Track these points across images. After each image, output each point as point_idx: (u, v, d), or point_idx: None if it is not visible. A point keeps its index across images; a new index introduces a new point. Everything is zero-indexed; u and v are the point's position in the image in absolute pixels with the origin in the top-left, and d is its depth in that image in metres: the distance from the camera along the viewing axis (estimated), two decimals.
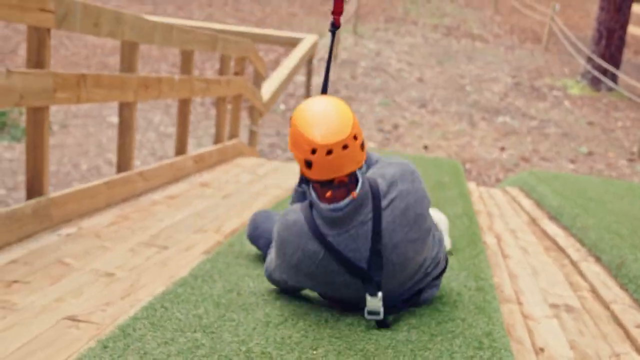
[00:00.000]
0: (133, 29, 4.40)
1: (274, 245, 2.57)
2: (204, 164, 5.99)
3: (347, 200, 2.36)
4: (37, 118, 3.55)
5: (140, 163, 8.58)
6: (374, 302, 2.39)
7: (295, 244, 2.43)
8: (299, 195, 2.77)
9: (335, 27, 2.77)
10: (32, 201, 3.52)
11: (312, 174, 2.31)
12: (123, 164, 4.70)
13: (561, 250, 4.51)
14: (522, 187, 6.69)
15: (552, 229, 5.02)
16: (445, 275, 3.10)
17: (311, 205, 2.46)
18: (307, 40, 11.51)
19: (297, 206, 2.53)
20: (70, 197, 3.86)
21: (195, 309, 2.42)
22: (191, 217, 4.24)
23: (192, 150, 7.39)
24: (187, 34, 5.35)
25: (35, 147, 3.58)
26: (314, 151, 2.25)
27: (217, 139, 6.68)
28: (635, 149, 10.92)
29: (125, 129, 4.65)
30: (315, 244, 2.39)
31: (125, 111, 4.61)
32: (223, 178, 5.70)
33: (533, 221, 5.36)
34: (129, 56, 4.51)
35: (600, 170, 9.99)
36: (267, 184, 5.59)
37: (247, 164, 6.57)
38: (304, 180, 2.53)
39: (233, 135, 7.25)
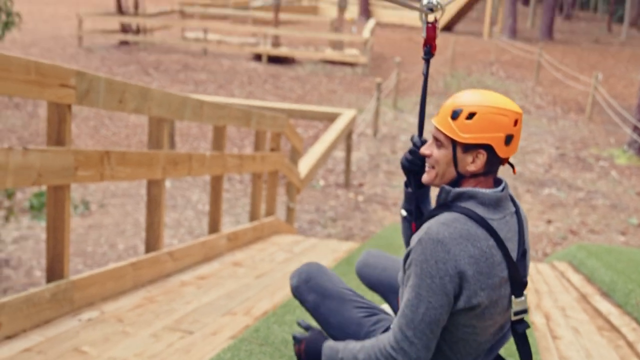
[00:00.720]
0: (161, 105, 4.29)
1: (416, 279, 2.30)
2: (238, 242, 5.82)
3: (502, 184, 2.43)
4: (58, 197, 3.41)
5: (177, 241, 8.45)
6: (521, 302, 2.38)
7: (463, 238, 2.28)
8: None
9: (430, 54, 2.62)
10: (51, 285, 3.35)
11: (509, 150, 2.36)
12: (152, 243, 4.54)
13: (615, 329, 4.20)
14: (570, 261, 6.38)
15: (605, 306, 4.72)
16: None
17: (454, 202, 2.41)
18: (346, 115, 11.42)
19: (439, 217, 2.37)
20: (94, 279, 3.69)
21: None
22: (221, 298, 4.04)
23: (229, 228, 7.24)
24: (219, 110, 5.24)
25: (55, 228, 3.44)
26: (516, 122, 2.33)
27: (253, 216, 6.51)
28: None
29: (154, 207, 4.51)
30: (483, 231, 2.31)
31: (154, 189, 4.47)
32: (257, 257, 5.51)
33: (584, 298, 5.05)
34: (156, 132, 4.39)
35: None
36: (302, 262, 5.37)
37: (283, 242, 6.38)
38: (453, 183, 2.44)
39: (269, 212, 7.09)
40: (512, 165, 2.50)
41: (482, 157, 2.35)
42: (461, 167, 2.38)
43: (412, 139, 2.64)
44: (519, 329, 2.42)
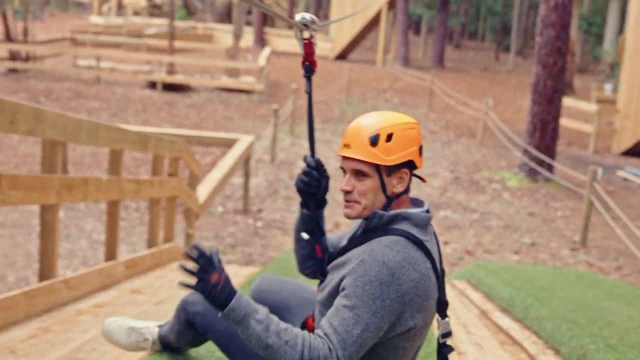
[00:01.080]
0: (55, 127, 4.13)
1: (356, 300, 2.20)
2: (136, 269, 5.65)
3: (426, 205, 2.46)
4: None
5: (71, 272, 8.16)
6: (446, 323, 2.44)
7: (406, 262, 2.25)
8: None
9: (311, 71, 2.54)
10: None
11: (421, 160, 2.43)
12: (46, 271, 4.35)
13: (517, 343, 4.27)
14: (469, 279, 6.48)
15: (505, 321, 4.80)
16: None
17: (387, 225, 2.37)
18: (244, 141, 11.36)
19: (379, 240, 2.32)
20: None
21: None
22: None
23: (126, 256, 7.04)
24: (116, 133, 5.11)
25: None
26: (419, 133, 2.44)
27: (151, 243, 6.36)
28: (577, 238, 10.88)
29: (47, 233, 4.32)
30: (422, 254, 2.32)
31: (47, 214, 4.29)
32: (156, 283, 5.37)
33: (484, 314, 5.12)
34: (50, 156, 4.22)
35: (544, 260, 9.88)
36: None
37: None
38: (385, 205, 2.41)
39: (168, 238, 6.94)
40: (420, 178, 2.51)
41: (406, 176, 2.38)
42: (389, 190, 2.37)
43: (305, 159, 2.55)
44: (446, 352, 2.46)
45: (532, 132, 14.05)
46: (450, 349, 2.47)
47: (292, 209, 11.77)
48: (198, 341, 2.88)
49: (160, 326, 3.05)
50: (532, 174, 14.24)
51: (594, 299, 5.03)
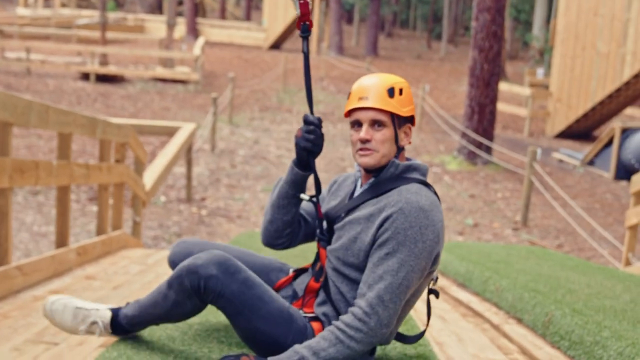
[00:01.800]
0: (5, 108, 4.00)
1: (399, 246, 2.39)
2: (87, 256, 5.53)
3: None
4: None
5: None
6: (437, 265, 2.60)
7: (434, 205, 2.48)
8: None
9: (307, 31, 2.61)
10: None
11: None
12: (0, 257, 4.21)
13: (479, 315, 4.31)
14: None
15: (463, 295, 4.84)
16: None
17: (401, 174, 2.56)
18: (186, 129, 11.23)
19: (407, 188, 2.49)
20: None
21: None
22: None
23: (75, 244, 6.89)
24: (65, 115, 4.97)
25: None
26: None
27: (100, 230, 6.22)
28: (518, 218, 11.08)
29: (0, 219, 4.19)
30: (437, 199, 2.55)
31: (0, 199, 4.16)
32: (110, 270, 5.26)
33: (441, 289, 5.16)
34: (1, 138, 4.09)
35: (488, 240, 10.04)
36: (159, 273, 5.18)
37: (134, 255, 6.13)
38: (397, 153, 2.60)
39: (116, 225, 6.81)
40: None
41: (409, 131, 2.59)
42: (399, 142, 2.56)
43: (307, 118, 2.59)
44: (436, 295, 2.66)
45: (470, 115, 14.23)
46: (437, 291, 2.67)
47: (235, 197, 11.70)
48: (194, 312, 2.64)
49: (119, 308, 2.86)
50: (471, 157, 14.42)
51: (550, 270, 5.11)
